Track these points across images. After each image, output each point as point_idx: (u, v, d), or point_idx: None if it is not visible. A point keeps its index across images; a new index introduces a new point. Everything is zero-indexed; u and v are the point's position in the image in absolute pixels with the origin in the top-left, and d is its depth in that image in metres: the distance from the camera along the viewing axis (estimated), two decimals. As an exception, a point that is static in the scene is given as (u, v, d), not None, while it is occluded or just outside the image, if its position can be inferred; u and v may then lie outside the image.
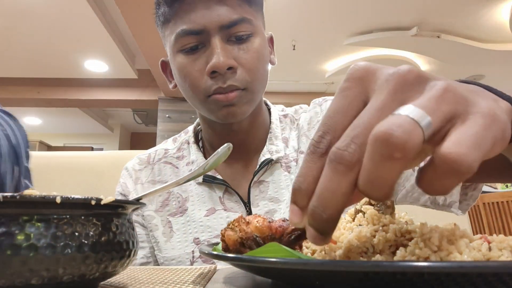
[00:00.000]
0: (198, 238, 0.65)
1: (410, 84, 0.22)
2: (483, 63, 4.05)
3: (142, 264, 0.69)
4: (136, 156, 0.78)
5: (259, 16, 0.66)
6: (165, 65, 0.72)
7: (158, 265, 0.69)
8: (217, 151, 0.37)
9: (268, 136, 0.70)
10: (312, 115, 0.73)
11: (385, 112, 0.21)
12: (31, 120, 6.73)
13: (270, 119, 0.73)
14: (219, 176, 0.67)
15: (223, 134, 0.69)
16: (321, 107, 0.73)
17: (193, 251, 0.64)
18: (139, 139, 7.95)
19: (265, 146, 0.69)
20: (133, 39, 3.24)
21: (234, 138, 0.68)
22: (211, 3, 0.59)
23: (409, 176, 0.60)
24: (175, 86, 0.69)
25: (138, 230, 0.69)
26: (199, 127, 0.77)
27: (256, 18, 0.64)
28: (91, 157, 1.13)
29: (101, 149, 7.26)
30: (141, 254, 0.69)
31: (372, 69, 0.24)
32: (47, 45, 3.73)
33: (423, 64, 4.16)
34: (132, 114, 6.60)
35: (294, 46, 3.77)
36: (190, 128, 0.78)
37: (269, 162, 0.67)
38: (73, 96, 4.66)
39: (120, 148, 7.38)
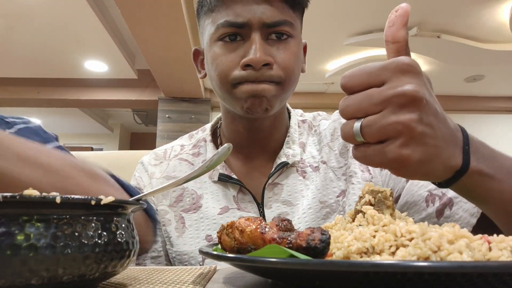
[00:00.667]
0: (210, 235, 0.65)
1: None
2: (483, 63, 4.05)
3: (153, 258, 0.69)
4: (152, 151, 0.79)
5: (299, 22, 0.67)
6: (197, 54, 0.73)
7: (169, 259, 0.69)
8: (217, 151, 0.37)
9: (286, 140, 0.71)
10: (337, 126, 0.73)
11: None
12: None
13: (289, 123, 0.74)
14: (234, 176, 0.68)
15: (245, 131, 0.69)
16: (341, 120, 0.73)
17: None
18: (139, 139, 7.94)
19: (282, 149, 0.69)
20: (133, 39, 3.24)
21: (254, 137, 0.69)
22: (258, 0, 0.60)
23: (421, 210, 0.59)
24: (205, 75, 0.70)
25: None
26: (218, 124, 0.77)
27: (297, 23, 0.65)
28: (91, 157, 1.13)
29: (101, 149, 7.25)
30: (152, 247, 0.69)
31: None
32: (47, 45, 3.73)
33: (423, 64, 4.16)
34: (132, 114, 6.59)
35: (294, 46, 3.76)
36: (208, 126, 0.79)
37: (284, 165, 0.67)
38: (73, 96, 4.66)
39: (120, 148, 7.37)
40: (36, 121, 0.71)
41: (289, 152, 0.69)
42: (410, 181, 0.62)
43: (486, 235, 0.30)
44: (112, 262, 0.29)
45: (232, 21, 0.60)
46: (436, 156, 0.35)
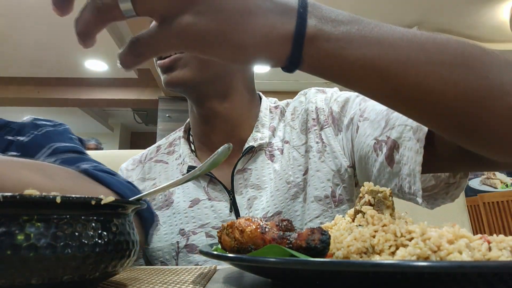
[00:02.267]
0: (183, 229, 0.66)
1: None
2: (483, 63, 4.05)
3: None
4: (131, 158, 0.81)
5: None
6: None
7: (147, 257, 0.70)
8: (217, 150, 0.37)
9: (256, 124, 0.70)
10: (296, 104, 0.73)
11: None
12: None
13: (260, 109, 0.73)
14: None
15: (202, 118, 0.70)
16: (306, 96, 0.73)
17: (177, 242, 0.65)
18: (139, 139, 7.94)
19: (251, 134, 0.69)
20: (133, 39, 3.24)
21: (215, 124, 0.69)
22: None
23: (374, 162, 0.55)
24: None
25: None
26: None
27: None
28: (91, 157, 1.13)
29: (101, 149, 7.25)
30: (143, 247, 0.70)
31: None
32: (47, 45, 3.73)
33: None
34: (132, 113, 6.59)
35: (294, 45, 3.75)
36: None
37: (251, 149, 0.67)
38: (73, 96, 4.66)
39: (120, 148, 7.37)
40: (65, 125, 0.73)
41: (257, 136, 0.68)
42: (358, 132, 0.59)
43: (485, 235, 0.30)
44: (112, 262, 0.29)
45: None
46: (246, 25, 0.30)
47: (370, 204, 0.36)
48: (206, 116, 0.69)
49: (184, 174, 0.69)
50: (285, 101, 0.77)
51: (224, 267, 0.47)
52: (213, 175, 0.67)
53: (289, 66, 0.32)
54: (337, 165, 0.64)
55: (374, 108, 0.58)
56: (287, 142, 0.69)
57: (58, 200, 0.26)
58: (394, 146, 0.51)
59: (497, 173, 5.07)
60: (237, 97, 0.69)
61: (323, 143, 0.66)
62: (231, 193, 0.66)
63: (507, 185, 5.01)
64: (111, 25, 3.56)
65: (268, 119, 0.72)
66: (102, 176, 0.53)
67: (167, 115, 4.49)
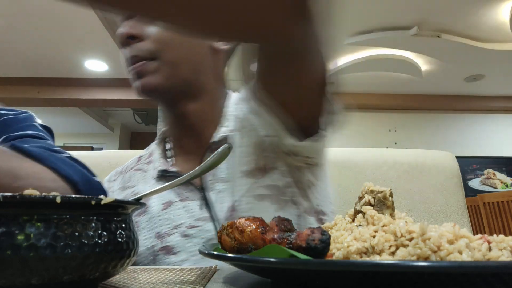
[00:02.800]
0: (159, 232, 0.66)
1: None
2: (483, 63, 4.04)
3: None
4: (114, 170, 0.82)
5: None
6: None
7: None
8: (217, 150, 0.37)
9: (220, 120, 0.70)
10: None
11: None
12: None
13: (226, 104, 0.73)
14: (173, 169, 0.68)
15: (173, 123, 0.70)
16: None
17: (153, 246, 0.65)
18: (139, 139, 7.94)
19: (216, 130, 0.68)
20: (133, 39, 3.24)
21: (185, 124, 0.69)
22: None
23: None
24: None
25: None
26: None
27: None
28: (91, 157, 1.13)
29: (101, 149, 7.25)
30: None
31: None
32: (47, 45, 3.73)
33: (423, 63, 4.16)
34: (132, 113, 6.59)
35: (294, 45, 3.75)
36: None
37: (216, 144, 0.66)
38: (73, 96, 4.65)
39: (120, 148, 7.37)
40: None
41: (222, 130, 0.68)
42: None
43: (485, 235, 0.30)
44: (112, 262, 0.29)
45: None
46: None
47: (370, 204, 0.36)
48: (177, 119, 0.69)
49: (156, 179, 0.69)
50: None
51: (224, 267, 0.47)
52: (182, 174, 0.66)
53: None
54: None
55: None
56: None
57: (58, 200, 0.26)
58: None
59: (497, 173, 5.07)
60: (207, 97, 0.70)
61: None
62: (201, 191, 0.66)
63: (507, 185, 5.00)
64: (111, 25, 3.55)
65: (234, 111, 0.71)
66: (35, 151, 0.49)
67: (167, 115, 4.49)
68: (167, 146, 0.77)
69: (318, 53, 0.48)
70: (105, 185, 0.77)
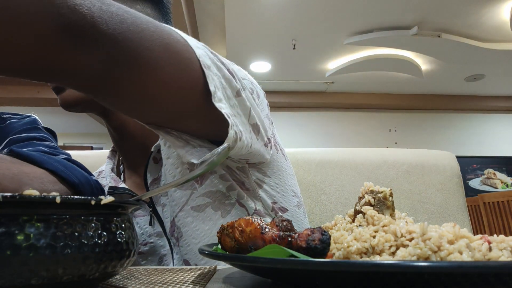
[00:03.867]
0: None
1: None
2: (483, 63, 4.05)
3: None
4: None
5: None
6: None
7: None
8: (217, 151, 0.37)
9: None
10: None
11: None
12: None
13: None
14: (122, 185, 0.65)
15: (114, 133, 0.67)
16: None
17: None
18: (139, 139, 7.94)
19: (158, 140, 0.64)
20: (133, 39, 3.24)
21: (124, 136, 0.67)
22: None
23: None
24: None
25: None
26: None
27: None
28: (91, 156, 1.13)
29: (101, 149, 7.25)
30: None
31: None
32: (47, 45, 3.73)
33: (423, 63, 4.16)
34: (132, 113, 6.59)
35: (294, 45, 3.76)
36: None
37: (153, 154, 0.63)
38: (73, 96, 4.66)
39: (120, 148, 7.37)
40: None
41: (161, 141, 0.63)
42: None
43: (486, 235, 0.30)
44: (112, 262, 0.29)
45: None
46: None
47: (370, 205, 0.36)
48: (116, 129, 0.67)
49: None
50: None
51: (224, 267, 0.47)
52: (131, 191, 0.64)
53: None
54: None
55: None
56: None
57: (58, 200, 0.26)
58: None
59: (497, 173, 5.08)
60: None
61: None
62: (150, 205, 0.64)
63: (507, 185, 5.01)
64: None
65: None
66: (33, 155, 0.50)
67: (167, 115, 4.49)
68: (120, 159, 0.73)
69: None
70: None
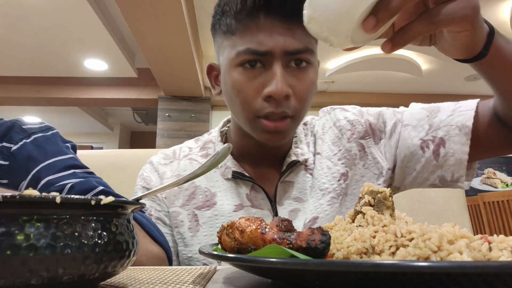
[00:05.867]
0: None
1: None
2: (483, 62, 4.04)
3: None
4: (160, 151, 0.79)
5: (316, 47, 0.67)
6: (211, 69, 0.72)
7: (180, 264, 0.69)
8: (217, 151, 0.37)
9: (294, 140, 0.73)
10: (324, 121, 0.77)
11: None
12: (31, 120, 6.72)
13: None
14: (247, 174, 0.69)
15: (256, 146, 0.70)
16: (330, 115, 0.78)
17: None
18: (139, 138, 7.94)
19: (291, 149, 0.72)
20: (132, 38, 3.23)
21: (265, 148, 0.71)
22: (280, 28, 0.59)
23: (420, 158, 0.66)
24: (220, 92, 0.69)
25: (161, 228, 0.69)
26: (226, 127, 0.79)
27: (315, 48, 0.65)
28: (91, 156, 1.13)
29: (101, 148, 7.25)
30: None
31: None
32: (46, 44, 3.73)
33: (423, 63, 4.16)
34: (132, 113, 6.59)
35: (294, 45, 3.75)
36: (214, 130, 0.80)
37: (295, 164, 0.70)
38: (72, 95, 4.65)
39: (120, 147, 7.37)
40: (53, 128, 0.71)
41: (298, 151, 0.71)
42: (402, 136, 0.69)
43: (486, 235, 0.30)
44: (112, 262, 0.29)
45: (255, 49, 0.59)
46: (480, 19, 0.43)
47: (370, 205, 0.36)
48: (263, 147, 0.70)
49: (228, 179, 0.70)
50: (309, 118, 0.81)
51: (224, 267, 0.47)
52: (256, 182, 0.68)
53: (479, 56, 0.48)
54: (379, 169, 0.71)
55: (411, 116, 0.70)
56: (318, 153, 0.73)
57: (58, 200, 0.25)
58: (441, 143, 0.63)
59: (497, 173, 5.07)
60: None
61: (364, 152, 0.72)
62: (273, 203, 0.68)
63: (507, 185, 5.00)
64: (111, 25, 3.55)
65: (303, 135, 0.75)
66: (138, 219, 0.57)
67: (167, 114, 4.49)
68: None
69: None
70: (154, 168, 0.74)
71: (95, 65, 4.27)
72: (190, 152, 0.77)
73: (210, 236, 0.67)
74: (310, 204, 0.68)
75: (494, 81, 0.55)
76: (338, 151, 0.72)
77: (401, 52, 3.92)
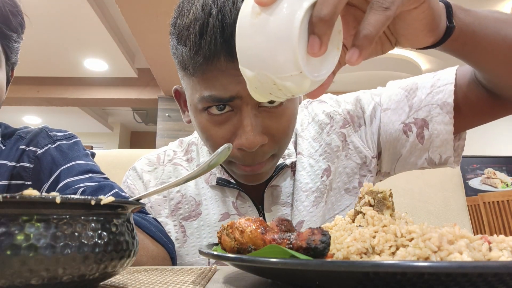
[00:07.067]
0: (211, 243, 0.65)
1: None
2: (483, 62, 4.05)
3: None
4: (144, 157, 0.75)
5: None
6: (178, 94, 0.66)
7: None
8: (217, 151, 0.37)
9: None
10: (302, 117, 0.72)
11: None
12: (31, 119, 6.73)
13: None
14: (232, 181, 0.66)
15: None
16: (307, 109, 0.73)
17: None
18: (139, 138, 7.94)
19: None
20: (133, 38, 3.24)
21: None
22: None
23: (405, 143, 0.64)
24: (190, 121, 0.63)
25: None
26: None
27: None
28: (91, 156, 1.13)
29: (101, 148, 7.25)
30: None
31: None
32: (46, 44, 3.73)
33: (423, 63, 4.16)
34: (132, 113, 6.59)
35: (294, 45, 3.75)
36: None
37: (282, 168, 0.66)
38: (73, 95, 4.66)
39: (120, 147, 7.37)
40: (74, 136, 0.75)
41: (285, 153, 0.68)
42: (382, 121, 0.66)
43: (486, 235, 0.30)
44: (112, 262, 0.29)
45: (220, 97, 0.51)
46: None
47: (370, 205, 0.36)
48: None
49: (213, 186, 0.67)
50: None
51: (224, 267, 0.47)
52: (242, 189, 0.66)
53: (448, 29, 0.43)
54: (362, 158, 0.68)
55: (390, 98, 0.66)
56: (299, 153, 0.68)
57: (58, 200, 0.25)
58: (424, 125, 0.61)
59: (497, 173, 5.07)
60: None
61: (346, 142, 0.68)
62: (261, 210, 0.66)
63: (507, 185, 5.00)
64: (111, 25, 3.55)
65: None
66: (138, 221, 0.57)
67: (167, 114, 4.49)
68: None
69: None
70: (138, 175, 0.72)
71: (95, 65, 4.27)
72: (175, 156, 0.73)
73: (198, 247, 0.65)
74: (295, 208, 0.65)
75: (471, 58, 0.51)
76: (319, 147, 0.68)
77: (401, 52, 3.92)
